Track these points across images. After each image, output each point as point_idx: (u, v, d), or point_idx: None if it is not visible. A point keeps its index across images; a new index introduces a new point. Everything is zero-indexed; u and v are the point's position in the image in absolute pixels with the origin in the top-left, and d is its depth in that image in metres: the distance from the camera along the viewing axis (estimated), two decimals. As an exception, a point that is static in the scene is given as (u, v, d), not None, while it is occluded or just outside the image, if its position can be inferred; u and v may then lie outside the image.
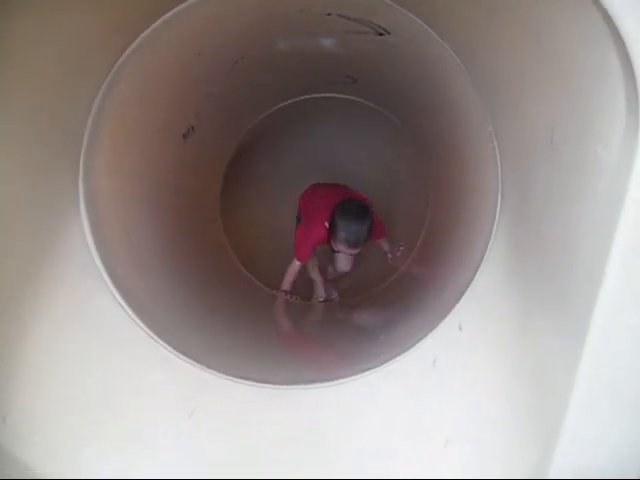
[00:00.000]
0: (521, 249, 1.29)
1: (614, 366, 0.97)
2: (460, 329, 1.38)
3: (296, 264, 2.44)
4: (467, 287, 1.42)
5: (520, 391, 1.18)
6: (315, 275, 2.59)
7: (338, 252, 2.53)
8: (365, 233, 2.30)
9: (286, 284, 2.47)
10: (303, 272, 2.55)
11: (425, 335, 1.40)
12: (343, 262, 2.70)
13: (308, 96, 2.58)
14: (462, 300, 1.41)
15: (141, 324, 1.39)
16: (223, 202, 2.69)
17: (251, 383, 1.39)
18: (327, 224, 2.36)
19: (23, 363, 1.22)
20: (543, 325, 1.13)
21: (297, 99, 2.59)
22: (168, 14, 1.49)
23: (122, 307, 1.39)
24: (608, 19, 0.74)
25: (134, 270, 1.57)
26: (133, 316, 1.39)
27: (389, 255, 2.68)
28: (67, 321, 1.32)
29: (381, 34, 1.66)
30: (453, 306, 1.41)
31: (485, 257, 1.41)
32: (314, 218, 2.44)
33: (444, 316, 1.41)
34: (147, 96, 1.66)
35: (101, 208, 1.48)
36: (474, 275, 1.42)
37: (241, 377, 1.39)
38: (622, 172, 0.84)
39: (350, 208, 2.32)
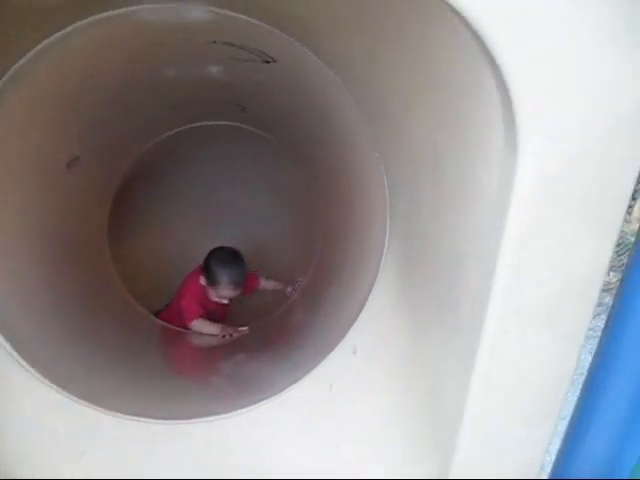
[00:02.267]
0: (411, 271, 1.32)
1: (504, 378, 1.01)
2: (354, 352, 1.39)
3: (196, 322, 2.47)
4: (360, 310, 1.43)
5: (417, 409, 1.21)
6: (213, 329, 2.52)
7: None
8: (245, 268, 2.50)
9: (214, 330, 2.45)
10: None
11: (320, 361, 1.40)
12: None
13: (197, 124, 2.55)
14: (355, 324, 1.43)
15: (26, 365, 1.32)
16: (111, 231, 2.60)
17: (140, 419, 1.34)
18: (201, 279, 2.50)
19: None
20: (436, 343, 1.16)
21: (186, 127, 2.55)
22: (46, 41, 1.43)
23: (5, 348, 1.31)
24: (480, 42, 0.77)
25: (19, 308, 1.49)
26: (17, 357, 1.31)
27: (288, 289, 2.69)
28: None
29: (267, 61, 1.67)
30: (347, 331, 1.42)
31: (376, 281, 1.43)
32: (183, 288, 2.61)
33: (338, 341, 1.42)
34: (27, 126, 1.59)
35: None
36: (367, 297, 1.44)
37: (128, 413, 1.34)
38: (502, 192, 0.87)
39: (222, 253, 2.52)
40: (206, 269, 2.49)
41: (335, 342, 1.43)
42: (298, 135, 2.30)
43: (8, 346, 1.32)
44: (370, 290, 1.43)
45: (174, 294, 2.68)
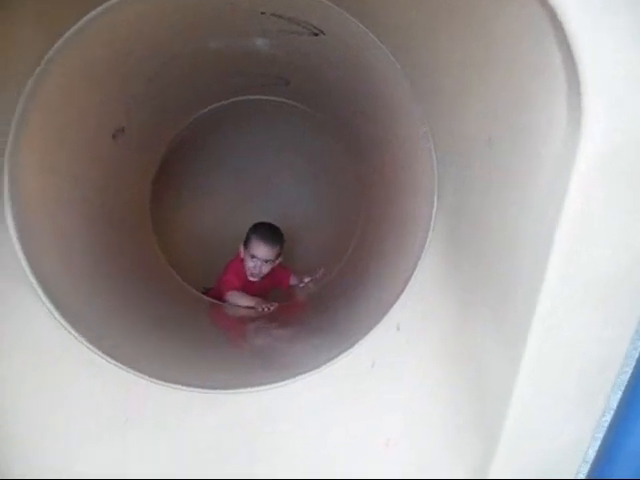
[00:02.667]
0: (459, 248, 1.29)
1: (555, 365, 0.98)
2: (398, 329, 1.37)
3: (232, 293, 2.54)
4: (404, 286, 1.42)
5: (461, 390, 1.19)
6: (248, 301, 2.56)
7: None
8: (279, 234, 2.62)
9: (250, 302, 2.49)
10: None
11: (363, 336, 1.40)
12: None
13: (240, 98, 2.54)
14: (399, 301, 1.41)
15: (73, 332, 1.34)
16: (153, 203, 2.62)
17: (183, 388, 1.35)
18: (241, 249, 2.62)
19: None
20: (483, 324, 1.13)
21: (229, 101, 2.54)
22: (94, 12, 1.43)
23: (53, 316, 1.33)
24: (551, 14, 0.74)
25: (66, 275, 1.51)
26: (65, 324, 1.33)
27: (306, 279, 2.77)
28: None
29: (316, 34, 1.65)
30: (391, 306, 1.41)
31: (421, 258, 1.41)
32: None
33: (382, 317, 1.41)
34: (76, 96, 1.60)
35: (30, 210, 1.41)
36: (411, 274, 1.42)
37: (173, 382, 1.35)
38: (562, 170, 0.84)
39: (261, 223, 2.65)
40: (246, 236, 2.62)
41: (378, 319, 1.42)
42: (343, 110, 2.27)
43: (60, 318, 1.34)
44: (415, 267, 1.41)
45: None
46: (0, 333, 1.28)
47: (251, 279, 2.64)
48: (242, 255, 2.64)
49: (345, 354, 1.39)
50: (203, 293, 2.66)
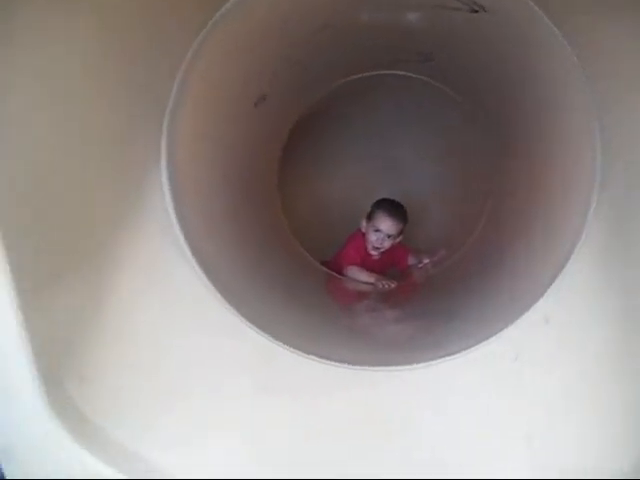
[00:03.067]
0: (623, 243, 1.22)
1: None
2: (547, 322, 1.32)
3: (352, 268, 2.56)
4: (555, 277, 1.35)
5: (615, 395, 1.12)
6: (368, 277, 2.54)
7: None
8: (404, 211, 2.59)
9: (369, 278, 2.49)
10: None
11: (508, 324, 1.34)
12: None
13: (379, 72, 2.50)
14: (548, 291, 1.35)
15: (220, 297, 1.36)
16: (281, 171, 2.66)
17: (323, 361, 1.35)
18: (363, 222, 2.62)
19: (101, 326, 1.19)
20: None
21: (368, 74, 2.52)
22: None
23: (200, 278, 1.36)
24: None
25: (209, 237, 1.55)
26: (212, 288, 1.37)
27: (425, 260, 2.72)
28: (146, 285, 1.29)
29: (476, 11, 1.58)
30: (540, 296, 1.35)
31: (576, 248, 1.34)
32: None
33: (528, 307, 1.35)
34: (230, 62, 1.63)
35: (180, 171, 1.45)
36: (563, 265, 1.35)
37: (314, 354, 1.35)
38: None
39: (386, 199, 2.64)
40: (369, 211, 2.63)
41: (523, 309, 1.36)
42: (488, 93, 2.19)
43: (207, 281, 1.37)
44: (568, 257, 1.35)
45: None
46: (147, 286, 1.31)
47: (372, 253, 2.62)
48: (363, 229, 2.63)
49: (485, 343, 1.34)
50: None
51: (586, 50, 1.35)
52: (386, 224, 2.55)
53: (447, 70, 2.31)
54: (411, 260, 2.80)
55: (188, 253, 1.38)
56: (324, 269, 2.59)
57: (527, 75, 1.72)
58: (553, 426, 1.18)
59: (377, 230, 2.56)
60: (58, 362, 1.08)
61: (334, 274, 2.55)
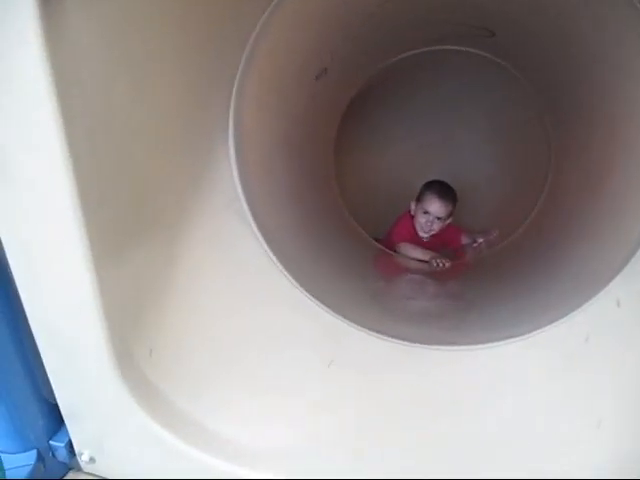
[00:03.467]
0: None
1: None
2: (618, 305, 1.28)
3: (404, 244, 2.54)
4: (627, 261, 1.31)
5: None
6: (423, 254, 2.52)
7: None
8: (453, 193, 2.57)
9: (424, 255, 2.48)
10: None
11: (579, 306, 1.31)
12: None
13: (440, 47, 2.46)
14: (621, 274, 1.31)
15: (288, 275, 1.38)
16: (337, 145, 2.64)
17: (391, 340, 1.35)
18: (412, 205, 2.62)
19: (170, 299, 1.21)
20: None
21: (428, 49, 2.47)
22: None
23: (269, 256, 1.37)
24: None
25: (271, 210, 1.55)
26: (280, 266, 1.38)
27: (480, 240, 2.70)
28: (212, 257, 1.31)
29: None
30: (611, 279, 1.31)
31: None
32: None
33: (599, 289, 1.32)
34: (294, 36, 1.62)
35: (246, 140, 1.45)
36: (637, 248, 1.31)
37: (379, 332, 1.35)
38: None
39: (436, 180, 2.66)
40: (419, 193, 2.64)
41: (592, 292, 1.33)
42: (552, 72, 2.13)
43: (275, 259, 1.39)
44: (638, 244, 1.31)
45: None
46: (214, 260, 1.32)
47: (421, 234, 2.61)
48: (412, 211, 2.63)
49: (554, 324, 1.32)
50: None
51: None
52: (435, 206, 2.54)
53: (510, 46, 2.24)
54: (464, 240, 2.77)
55: (253, 226, 1.38)
56: (378, 245, 2.57)
57: (593, 57, 1.67)
58: (623, 410, 1.16)
59: (426, 212, 2.55)
60: (129, 331, 1.10)
61: (387, 250, 2.53)
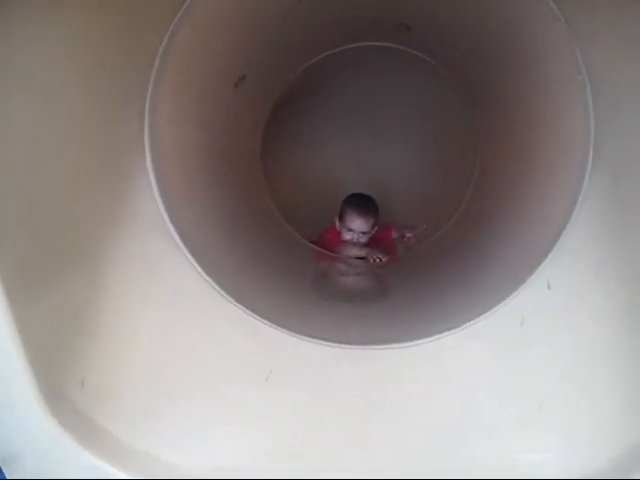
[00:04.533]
0: (624, 208, 1.20)
1: None
2: (549, 287, 1.30)
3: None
4: (555, 242, 1.33)
5: (625, 355, 1.11)
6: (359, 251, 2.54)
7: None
8: (373, 205, 2.58)
9: (360, 252, 2.50)
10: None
11: (512, 292, 1.33)
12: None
13: (358, 44, 2.46)
14: (550, 258, 1.33)
15: (217, 287, 1.34)
16: (264, 149, 2.62)
17: (327, 344, 1.33)
18: (336, 222, 2.61)
19: (98, 325, 1.16)
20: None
21: (346, 47, 2.47)
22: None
23: (193, 266, 1.33)
24: None
25: (196, 222, 1.52)
26: (208, 278, 1.34)
27: (408, 234, 2.74)
28: (138, 280, 1.27)
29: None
30: (540, 262, 1.33)
31: (574, 213, 1.32)
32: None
33: (530, 272, 1.33)
34: (207, 46, 1.59)
35: (165, 157, 1.42)
36: (560, 232, 1.34)
37: (317, 337, 1.33)
38: None
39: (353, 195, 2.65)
40: (340, 209, 2.62)
41: (523, 277, 1.34)
42: (471, 60, 2.15)
43: (201, 271, 1.35)
44: (565, 222, 1.33)
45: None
46: (143, 283, 1.28)
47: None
48: (338, 228, 2.62)
49: (490, 312, 1.33)
50: None
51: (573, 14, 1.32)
52: (356, 223, 2.55)
53: (427, 39, 2.27)
54: (394, 234, 2.80)
55: (179, 243, 1.34)
56: (314, 247, 2.56)
57: (504, 34, 1.69)
58: (562, 390, 1.17)
59: (350, 230, 2.56)
60: (57, 366, 1.06)
61: (324, 251, 2.52)
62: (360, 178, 2.91)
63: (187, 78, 1.54)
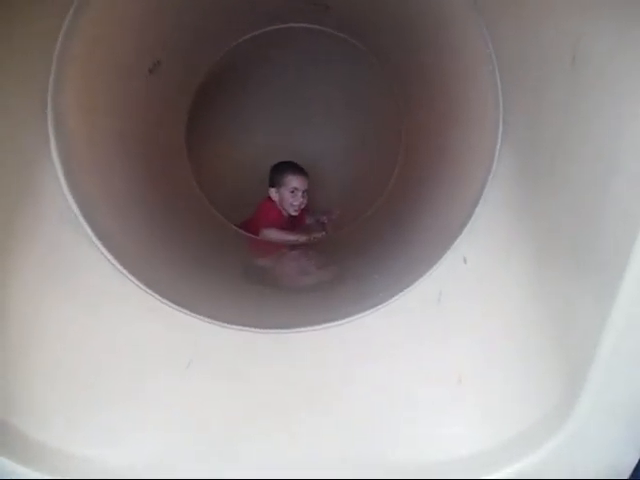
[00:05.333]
0: (534, 183, 1.21)
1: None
2: (465, 262, 1.32)
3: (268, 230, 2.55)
4: (468, 218, 1.35)
5: (538, 331, 1.13)
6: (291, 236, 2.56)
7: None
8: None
9: (291, 237, 2.53)
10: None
11: (428, 269, 1.35)
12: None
13: (279, 26, 2.45)
14: (465, 232, 1.35)
15: (129, 275, 1.31)
16: (189, 136, 2.57)
17: (246, 329, 1.32)
18: (272, 192, 2.66)
19: (7, 325, 1.13)
20: (564, 265, 1.07)
21: (267, 29, 2.45)
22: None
23: (107, 259, 1.30)
24: None
25: (112, 215, 1.47)
26: (119, 267, 1.31)
27: (323, 219, 2.80)
28: (50, 276, 1.22)
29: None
30: (454, 238, 1.35)
31: (487, 186, 1.34)
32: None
33: (445, 249, 1.35)
34: (114, 30, 1.54)
35: (73, 150, 1.36)
36: (472, 210, 1.36)
37: (236, 323, 1.32)
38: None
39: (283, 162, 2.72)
40: (271, 180, 2.68)
41: (441, 251, 1.36)
42: (386, 35, 2.16)
43: (113, 260, 1.31)
44: (478, 198, 1.35)
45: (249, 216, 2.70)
46: (51, 277, 1.24)
47: (293, 214, 2.67)
48: (274, 197, 2.66)
49: (410, 288, 1.35)
50: None
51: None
52: (299, 181, 2.62)
53: (346, 18, 2.26)
54: (309, 219, 2.86)
55: (91, 235, 1.31)
56: (243, 233, 2.53)
57: (414, 10, 1.70)
58: (482, 364, 1.19)
59: (294, 190, 2.60)
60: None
61: (254, 237, 2.51)
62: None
63: (94, 64, 1.48)
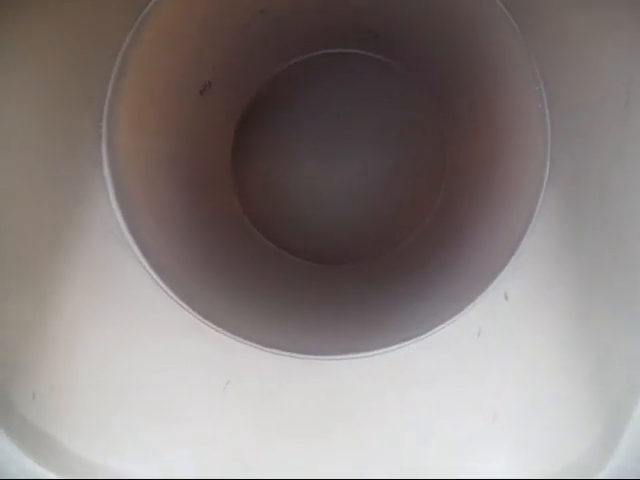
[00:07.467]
0: (581, 219, 1.20)
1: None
2: (506, 298, 1.31)
3: None
4: (512, 253, 1.34)
5: (579, 371, 1.12)
6: None
7: None
8: None
9: None
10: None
11: (470, 302, 1.33)
12: None
13: (326, 51, 2.48)
14: (508, 269, 1.34)
15: (173, 295, 1.32)
16: (234, 158, 2.59)
17: (285, 353, 1.33)
18: None
19: (51, 336, 1.15)
20: (609, 306, 1.06)
21: (314, 54, 2.48)
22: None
23: (152, 277, 1.32)
24: None
25: (160, 234, 1.50)
26: (164, 287, 1.32)
27: None
28: (96, 291, 1.25)
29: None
30: (497, 273, 1.34)
31: (533, 224, 1.33)
32: None
33: (489, 283, 1.34)
34: (168, 52, 1.57)
35: (124, 168, 1.39)
36: (518, 242, 1.34)
37: (275, 347, 1.33)
38: None
39: None
40: None
41: (482, 287, 1.35)
42: (435, 64, 2.17)
43: (159, 281, 1.33)
44: (523, 234, 1.34)
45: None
46: (97, 291, 1.27)
47: None
48: None
49: (450, 321, 1.34)
50: None
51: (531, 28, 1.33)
52: None
53: (394, 45, 2.28)
54: None
55: (136, 251, 1.33)
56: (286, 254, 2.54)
57: (465, 43, 1.70)
58: (519, 402, 1.18)
59: None
60: (6, 379, 1.04)
61: (296, 259, 2.52)
62: (329, 185, 2.89)
63: (149, 84, 1.52)
